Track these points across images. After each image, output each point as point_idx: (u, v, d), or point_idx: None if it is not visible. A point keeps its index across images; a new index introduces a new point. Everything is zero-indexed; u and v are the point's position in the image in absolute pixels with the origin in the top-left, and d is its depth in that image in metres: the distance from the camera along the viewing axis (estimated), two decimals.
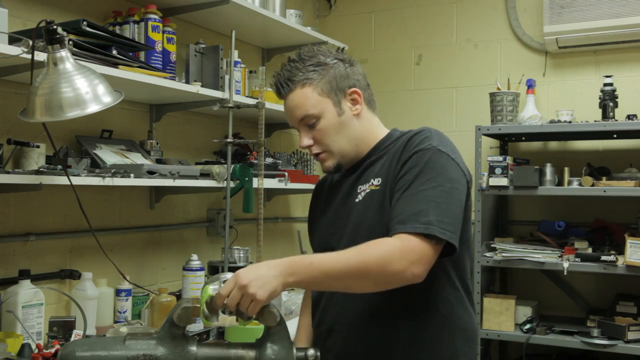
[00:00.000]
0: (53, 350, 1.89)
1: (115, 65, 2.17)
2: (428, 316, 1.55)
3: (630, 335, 2.97)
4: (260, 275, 1.31)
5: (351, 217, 1.60)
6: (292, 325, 1.49)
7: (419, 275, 1.39)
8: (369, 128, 1.65)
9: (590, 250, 3.13)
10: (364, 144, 1.64)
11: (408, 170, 1.49)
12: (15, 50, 1.82)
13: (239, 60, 2.90)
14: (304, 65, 1.60)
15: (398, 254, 1.37)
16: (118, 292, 2.46)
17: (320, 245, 1.70)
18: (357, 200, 1.60)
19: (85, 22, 2.06)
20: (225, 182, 2.69)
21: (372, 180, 1.58)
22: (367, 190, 1.58)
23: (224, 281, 1.34)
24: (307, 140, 1.61)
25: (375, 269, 1.37)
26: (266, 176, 2.88)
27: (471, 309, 1.63)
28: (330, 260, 1.39)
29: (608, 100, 3.18)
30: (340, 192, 1.67)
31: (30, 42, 1.78)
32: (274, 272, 1.33)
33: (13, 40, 1.89)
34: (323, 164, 1.64)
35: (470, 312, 1.62)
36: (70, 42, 1.84)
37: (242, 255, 2.73)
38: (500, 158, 3.27)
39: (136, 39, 2.44)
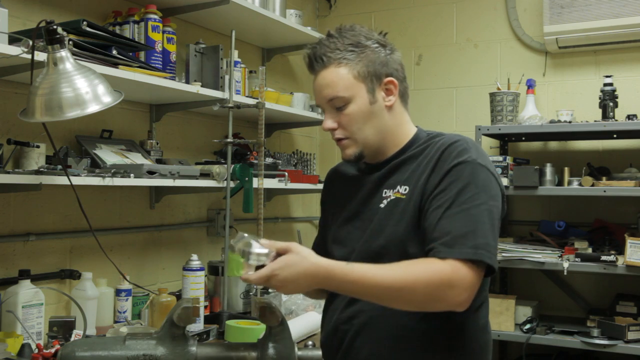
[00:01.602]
0: (53, 350, 1.89)
1: (115, 65, 2.17)
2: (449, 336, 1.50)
3: (630, 335, 2.97)
4: (297, 284, 1.32)
5: (373, 222, 1.53)
6: (293, 325, 1.49)
7: (462, 305, 1.34)
8: (398, 123, 1.57)
9: (590, 250, 3.13)
10: (390, 138, 1.56)
11: (448, 185, 1.42)
12: (15, 50, 1.82)
13: (239, 60, 2.90)
14: (342, 42, 1.50)
15: (448, 282, 1.32)
16: (118, 292, 2.46)
17: (335, 240, 1.64)
18: (381, 205, 1.53)
19: (85, 22, 2.06)
20: (225, 182, 2.69)
21: (398, 187, 1.51)
22: (392, 198, 1.51)
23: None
24: (330, 123, 1.53)
25: (422, 293, 1.33)
26: (266, 176, 2.88)
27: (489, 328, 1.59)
28: (375, 277, 1.33)
29: (608, 100, 3.18)
30: (362, 189, 1.60)
31: (30, 42, 1.78)
32: (309, 282, 1.33)
33: (13, 40, 1.89)
34: (344, 151, 1.56)
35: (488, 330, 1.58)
36: (70, 42, 1.84)
37: None
38: (500, 158, 3.27)
39: (136, 39, 2.44)
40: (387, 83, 1.53)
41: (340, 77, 1.49)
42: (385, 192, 1.54)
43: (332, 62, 1.50)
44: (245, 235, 1.36)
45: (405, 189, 1.50)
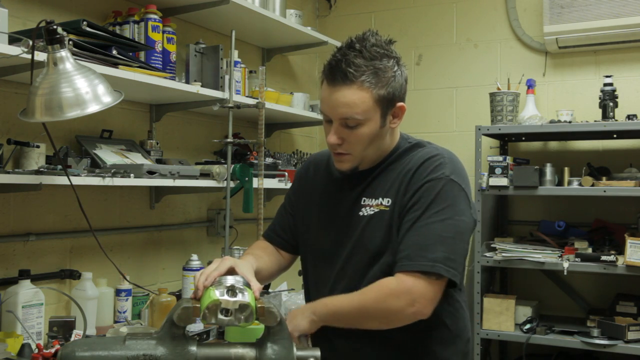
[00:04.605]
0: (53, 350, 1.89)
1: (115, 65, 2.17)
2: (431, 328, 1.57)
3: (630, 335, 2.97)
4: (296, 323, 1.52)
5: (356, 231, 1.57)
6: None
7: (421, 313, 1.45)
8: (393, 138, 1.61)
9: (590, 250, 3.13)
10: (385, 153, 1.60)
11: (418, 200, 1.49)
12: (15, 50, 1.82)
13: (239, 60, 2.90)
14: (366, 60, 1.48)
15: (394, 296, 1.45)
16: (118, 292, 2.46)
17: (314, 248, 1.68)
18: (361, 213, 1.57)
19: (85, 22, 2.06)
20: (225, 182, 2.69)
21: (380, 198, 1.55)
22: (376, 210, 1.55)
23: (228, 285, 1.34)
24: (336, 139, 1.53)
25: (375, 311, 1.47)
26: (266, 176, 2.88)
27: (467, 314, 1.68)
28: (341, 302, 1.51)
29: (608, 100, 3.18)
30: (342, 192, 1.63)
31: (30, 42, 1.78)
32: (304, 314, 1.52)
33: (13, 40, 1.89)
34: (341, 164, 1.58)
35: (466, 319, 1.67)
36: (70, 42, 1.84)
37: (242, 255, 2.72)
38: (500, 158, 3.27)
39: (136, 39, 2.44)
40: (397, 108, 1.55)
41: (362, 100, 1.48)
42: (365, 201, 1.58)
43: (355, 81, 1.47)
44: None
45: (389, 201, 1.55)
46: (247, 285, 1.39)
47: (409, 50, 3.92)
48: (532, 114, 3.39)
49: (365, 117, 1.49)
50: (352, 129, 1.51)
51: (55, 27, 1.76)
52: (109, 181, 2.17)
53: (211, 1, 2.71)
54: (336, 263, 1.60)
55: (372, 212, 1.55)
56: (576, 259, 3.08)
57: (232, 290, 1.32)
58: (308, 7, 4.05)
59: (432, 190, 1.49)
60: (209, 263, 2.82)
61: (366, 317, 1.48)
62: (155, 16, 2.50)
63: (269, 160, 3.05)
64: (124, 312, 2.46)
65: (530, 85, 3.51)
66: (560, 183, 3.25)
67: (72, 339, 2.10)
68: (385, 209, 1.54)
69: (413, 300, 1.43)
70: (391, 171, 1.58)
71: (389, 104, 1.52)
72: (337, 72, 1.49)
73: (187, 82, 2.67)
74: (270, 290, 2.82)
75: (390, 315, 1.46)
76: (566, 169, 3.25)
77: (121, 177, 2.21)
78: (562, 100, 3.61)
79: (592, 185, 3.11)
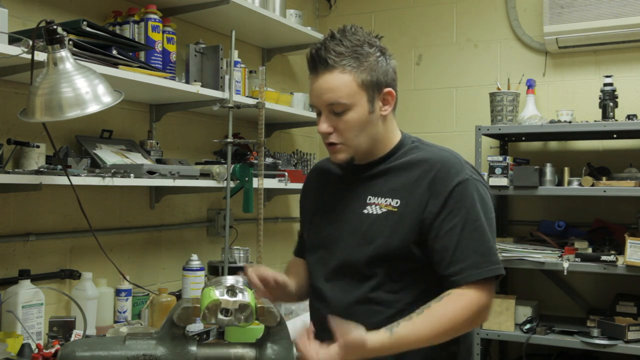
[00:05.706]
0: (53, 350, 1.89)
1: (115, 65, 2.17)
2: None
3: (630, 335, 2.97)
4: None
5: (360, 229, 1.55)
6: (292, 325, 1.49)
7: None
8: (389, 130, 1.60)
9: (590, 250, 3.13)
10: (380, 145, 1.59)
11: (455, 205, 1.50)
12: (15, 50, 1.82)
13: (239, 60, 2.90)
14: (347, 46, 1.49)
15: (483, 310, 1.48)
16: (118, 292, 2.46)
17: (315, 243, 1.66)
18: (365, 212, 1.55)
19: (85, 22, 2.06)
20: (225, 182, 2.69)
21: (388, 199, 1.54)
22: (384, 210, 1.53)
23: (228, 286, 1.34)
24: (326, 127, 1.53)
25: (466, 326, 1.48)
26: (266, 176, 2.88)
27: None
28: (419, 338, 1.41)
29: (608, 100, 3.18)
30: (345, 191, 1.62)
31: (30, 42, 1.78)
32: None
33: (13, 40, 1.89)
34: (335, 155, 1.57)
35: None
36: (70, 42, 1.84)
37: (242, 255, 2.73)
38: (500, 158, 3.27)
39: (136, 39, 2.44)
40: (386, 93, 1.55)
41: (345, 83, 1.49)
42: (370, 199, 1.57)
43: (337, 66, 1.49)
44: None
45: (397, 202, 1.53)
46: (247, 285, 1.39)
47: (409, 50, 3.92)
48: (532, 114, 3.39)
49: (350, 101, 1.50)
50: (340, 116, 1.51)
51: (55, 27, 1.76)
52: (109, 181, 2.17)
53: (211, 1, 2.71)
54: (336, 260, 1.58)
55: (379, 212, 1.54)
56: (576, 259, 3.08)
57: (232, 290, 1.32)
58: (308, 7, 4.05)
59: (465, 194, 1.51)
60: (209, 263, 2.84)
61: (451, 336, 1.47)
62: (155, 16, 2.50)
63: (269, 160, 3.05)
64: (124, 312, 2.46)
65: (530, 85, 3.51)
66: (560, 183, 3.25)
67: (72, 339, 2.10)
68: (393, 209, 1.52)
69: (490, 307, 1.50)
70: (399, 171, 1.56)
71: (375, 88, 1.52)
72: (318, 60, 1.50)
73: (187, 82, 2.67)
74: None
75: (476, 326, 1.55)
76: (566, 169, 3.25)
77: (121, 177, 2.21)
78: (562, 100, 3.61)
79: (592, 185, 3.11)
